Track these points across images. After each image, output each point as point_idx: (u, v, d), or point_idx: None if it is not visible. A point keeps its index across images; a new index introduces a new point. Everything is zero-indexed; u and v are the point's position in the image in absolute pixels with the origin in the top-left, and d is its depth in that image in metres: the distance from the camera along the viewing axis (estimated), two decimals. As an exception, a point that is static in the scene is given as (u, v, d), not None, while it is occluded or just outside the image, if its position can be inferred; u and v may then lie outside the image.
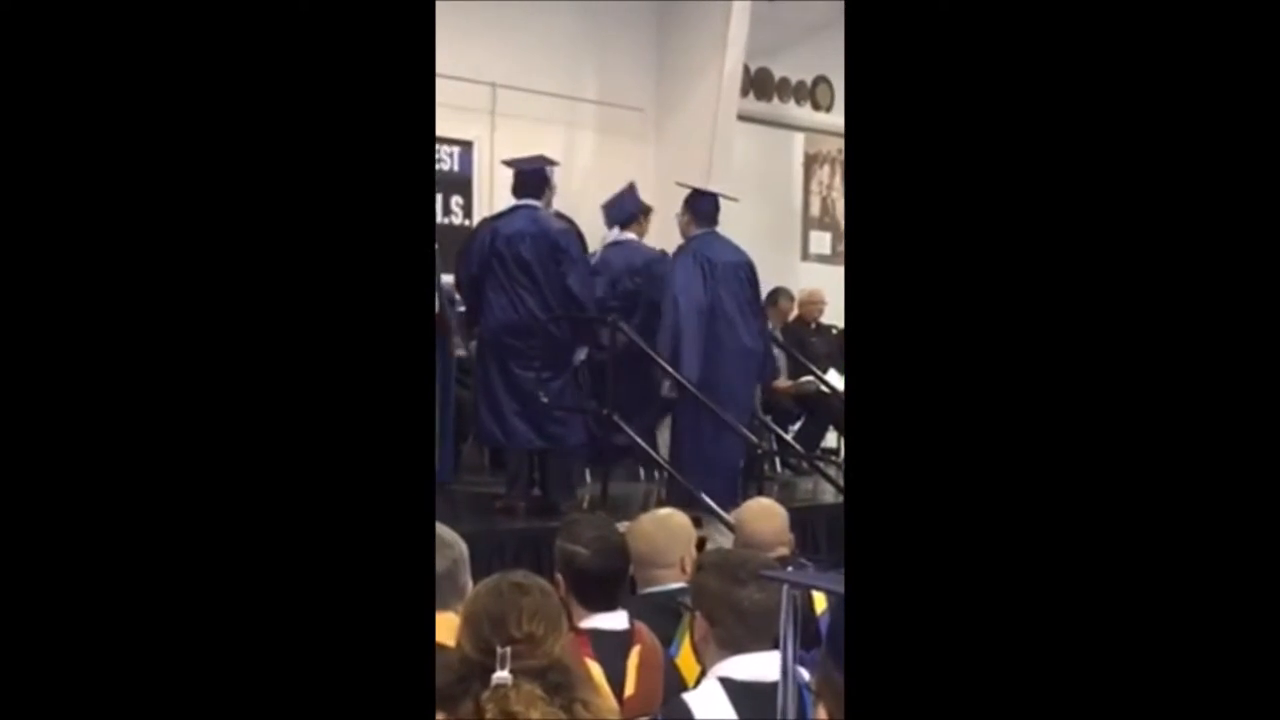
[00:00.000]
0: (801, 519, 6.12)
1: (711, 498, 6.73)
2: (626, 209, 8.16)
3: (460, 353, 7.47)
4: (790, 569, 3.01)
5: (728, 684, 2.83)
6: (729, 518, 6.73)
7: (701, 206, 7.70)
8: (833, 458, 9.26)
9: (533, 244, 6.96)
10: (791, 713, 1.81)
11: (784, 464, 9.40)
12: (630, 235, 8.13)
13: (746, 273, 7.69)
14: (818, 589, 1.88)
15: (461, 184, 9.53)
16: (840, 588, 1.76)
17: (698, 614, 3.02)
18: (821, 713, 1.71)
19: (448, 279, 7.24)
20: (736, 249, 7.71)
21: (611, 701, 3.10)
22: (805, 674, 2.09)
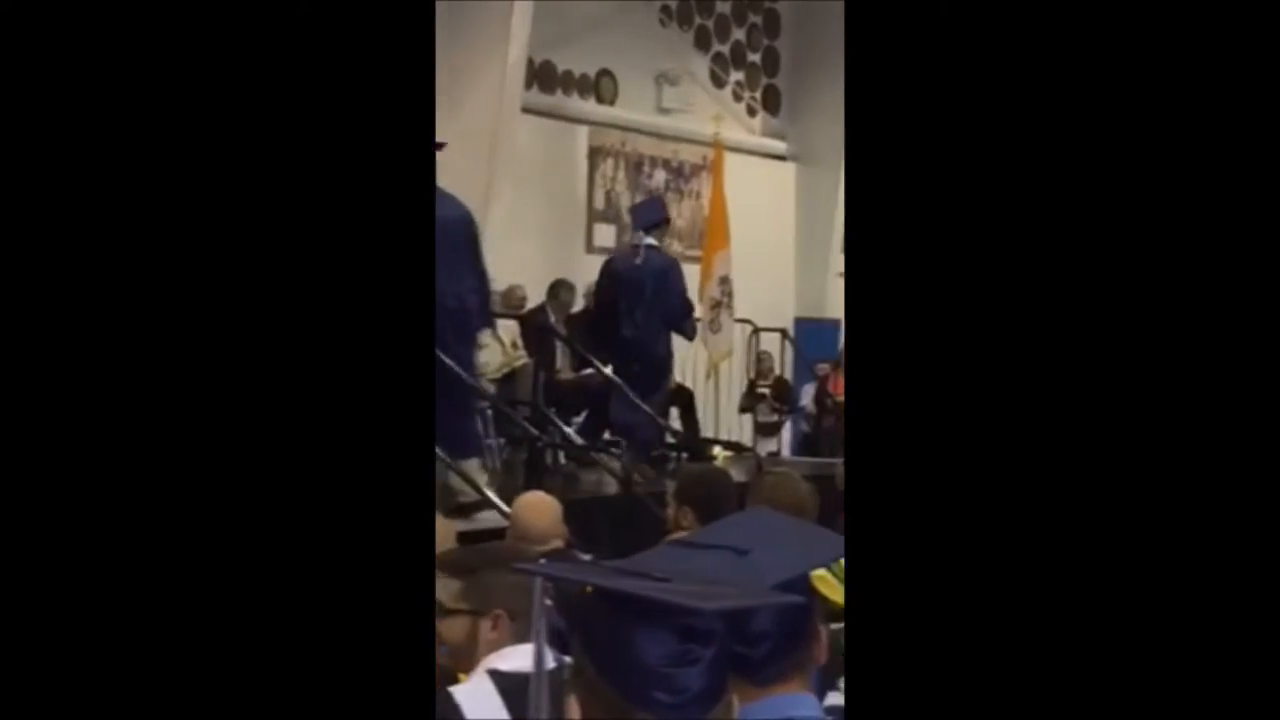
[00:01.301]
0: (583, 511, 6.16)
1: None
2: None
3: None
4: (543, 561, 3.02)
5: (495, 675, 2.82)
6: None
7: None
8: (614, 450, 9.33)
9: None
10: (544, 706, 1.82)
11: (567, 456, 9.43)
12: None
13: (465, 229, 7.67)
14: (567, 581, 1.89)
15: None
16: (602, 580, 1.78)
17: (500, 612, 3.00)
18: (574, 707, 1.72)
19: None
20: (456, 203, 7.66)
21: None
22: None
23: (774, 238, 13.41)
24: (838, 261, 14.14)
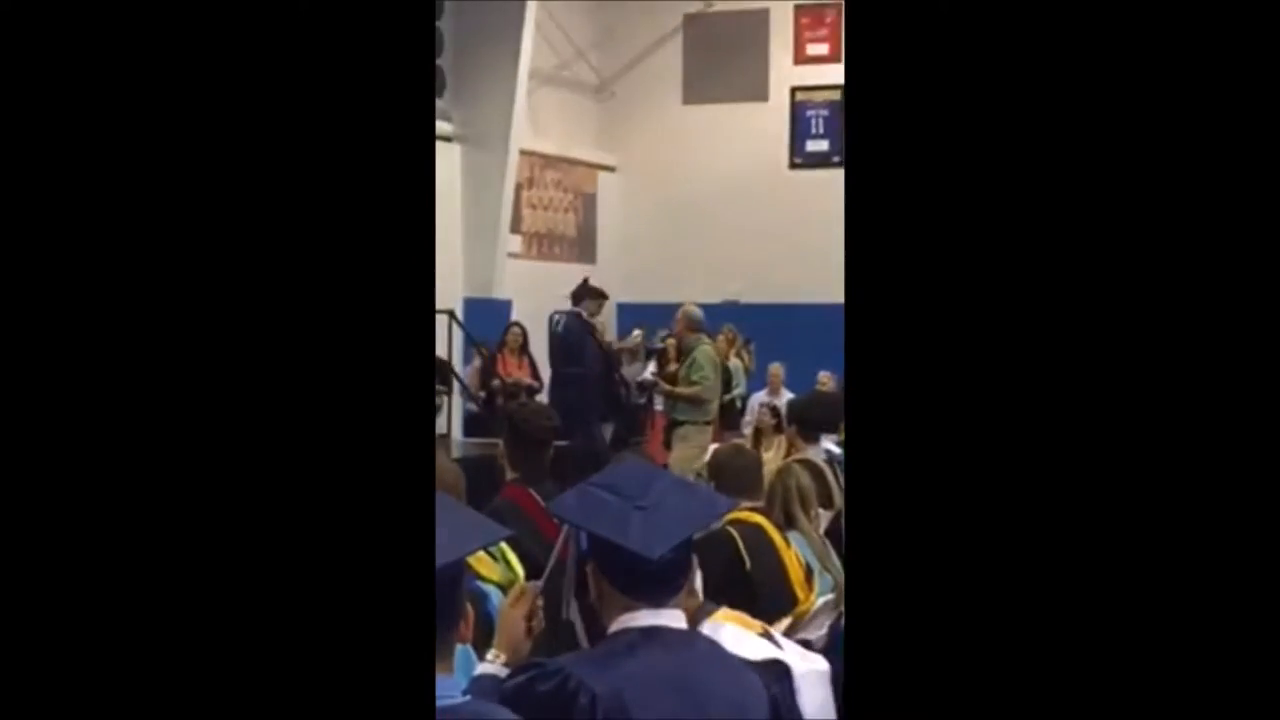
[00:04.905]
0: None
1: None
2: None
3: None
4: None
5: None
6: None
7: None
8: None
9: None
10: None
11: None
12: None
13: None
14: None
15: None
16: None
17: None
18: None
19: None
20: None
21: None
22: None
23: (440, 219, 13.30)
24: (508, 242, 14.20)
